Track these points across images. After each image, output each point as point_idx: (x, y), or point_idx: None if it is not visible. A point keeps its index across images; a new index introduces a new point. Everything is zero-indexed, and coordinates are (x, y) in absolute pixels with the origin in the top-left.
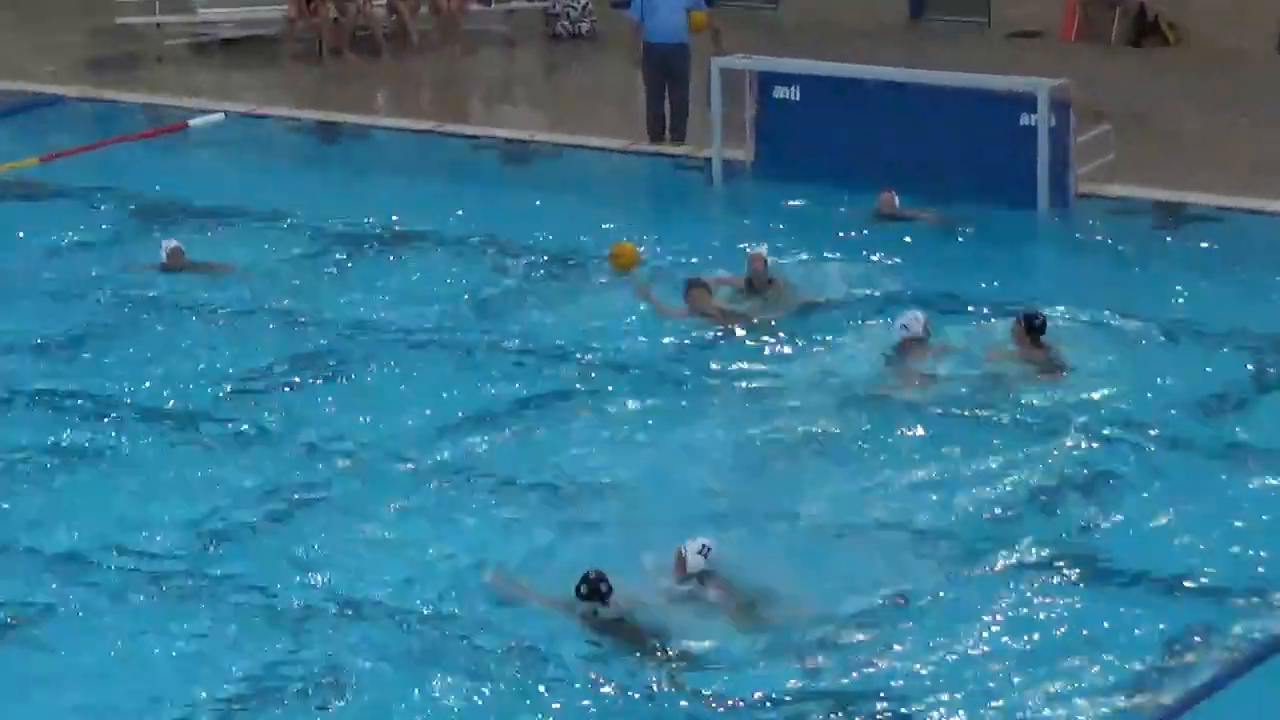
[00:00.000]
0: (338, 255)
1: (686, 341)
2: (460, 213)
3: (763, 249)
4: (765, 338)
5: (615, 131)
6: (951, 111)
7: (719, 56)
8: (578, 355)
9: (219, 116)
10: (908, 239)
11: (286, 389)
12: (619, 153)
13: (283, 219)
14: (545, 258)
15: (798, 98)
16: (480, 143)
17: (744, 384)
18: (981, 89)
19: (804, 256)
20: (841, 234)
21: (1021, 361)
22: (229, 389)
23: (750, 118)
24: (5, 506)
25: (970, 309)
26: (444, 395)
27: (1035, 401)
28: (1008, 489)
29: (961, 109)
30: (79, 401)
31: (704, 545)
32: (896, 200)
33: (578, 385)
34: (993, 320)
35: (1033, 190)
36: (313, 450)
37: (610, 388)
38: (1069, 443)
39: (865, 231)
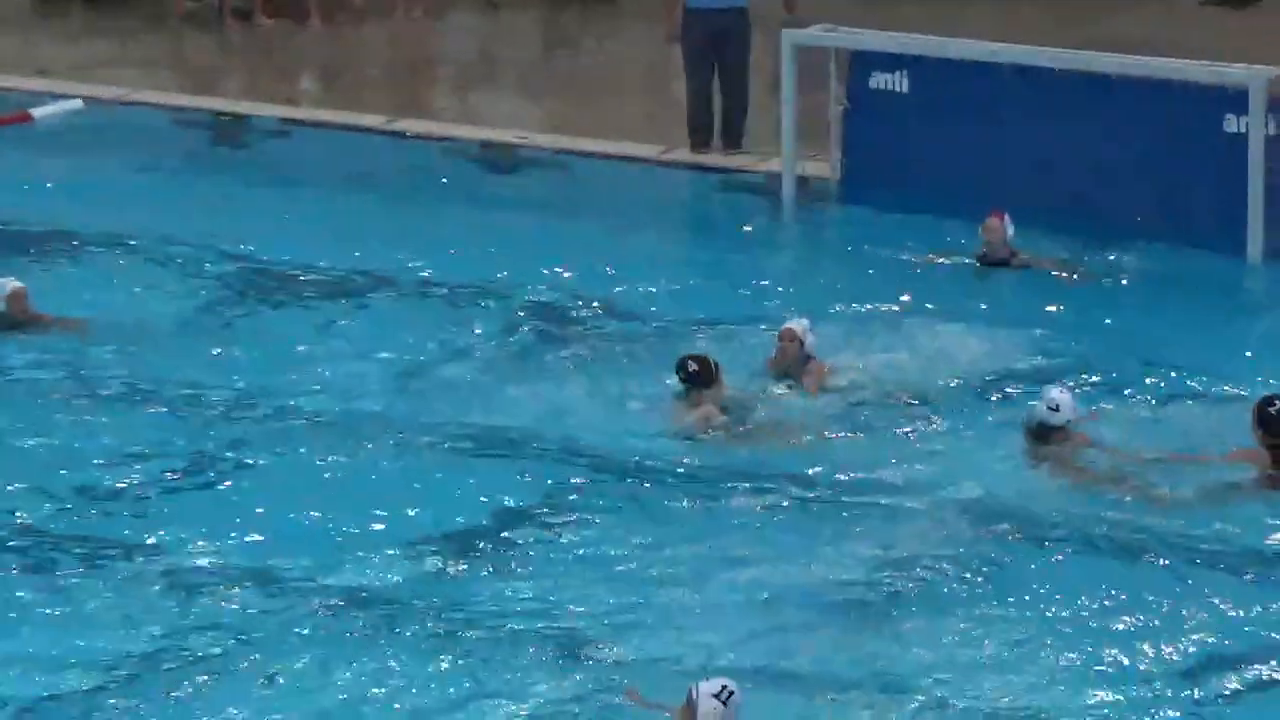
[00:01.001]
0: (241, 303)
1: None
2: (417, 245)
3: (798, 323)
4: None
5: (643, 134)
6: (1123, 111)
7: (792, 29)
8: (577, 452)
9: (76, 104)
10: (1053, 302)
11: (166, 495)
12: (649, 163)
13: (165, 251)
14: (537, 312)
15: (904, 89)
16: (450, 146)
17: (807, 496)
18: (1168, 79)
19: (903, 316)
20: (962, 285)
21: (1248, 466)
22: (83, 497)
23: (836, 116)
24: None
25: (1131, 398)
26: (382, 504)
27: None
28: (1214, 657)
29: (1138, 107)
30: None
31: (725, 688)
32: (1009, 229)
33: (572, 496)
34: (1162, 405)
35: (1240, 229)
36: (199, 581)
37: (619, 499)
38: None
39: (991, 283)
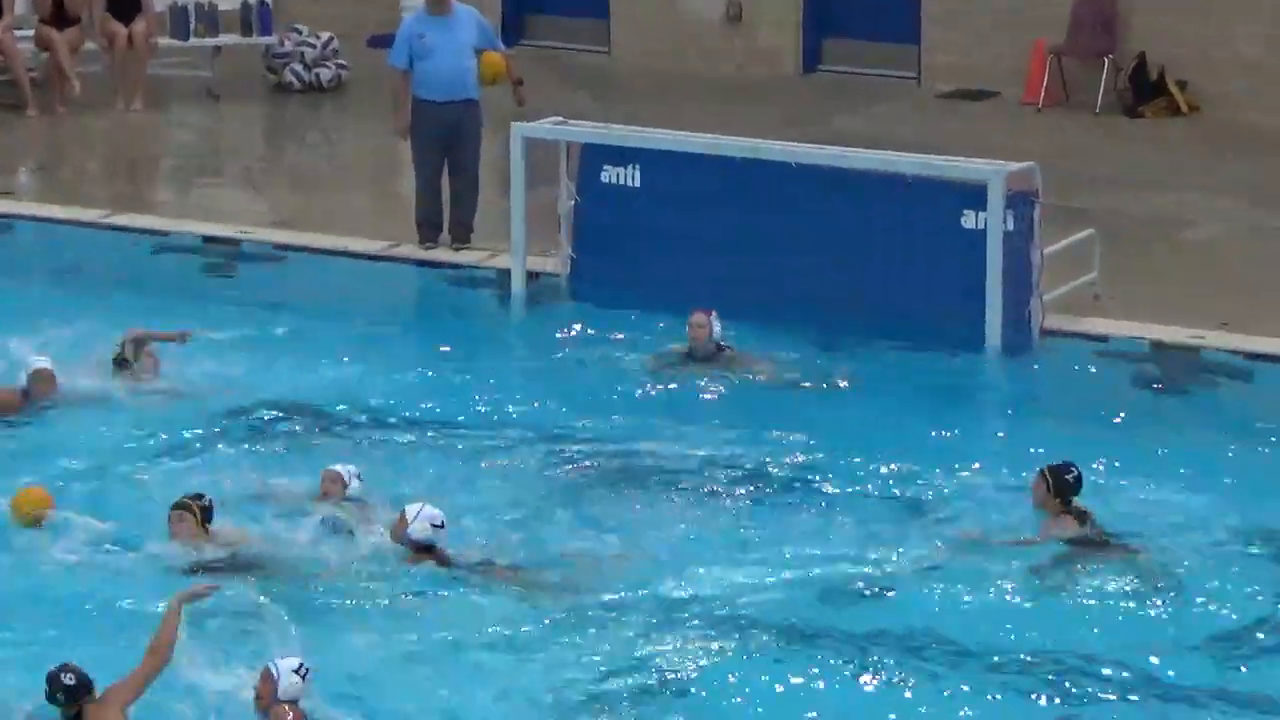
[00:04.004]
0: None
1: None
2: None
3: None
4: None
5: (369, 228)
6: (859, 206)
7: (522, 122)
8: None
9: None
10: (766, 402)
11: None
12: (374, 259)
13: None
14: (247, 413)
15: (636, 182)
16: (167, 241)
17: None
18: (904, 174)
19: (631, 419)
20: (703, 387)
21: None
22: None
23: (566, 211)
24: None
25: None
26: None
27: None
28: None
29: (875, 202)
30: None
31: (302, 664)
32: (716, 325)
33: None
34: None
35: (978, 323)
36: None
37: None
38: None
39: (735, 385)
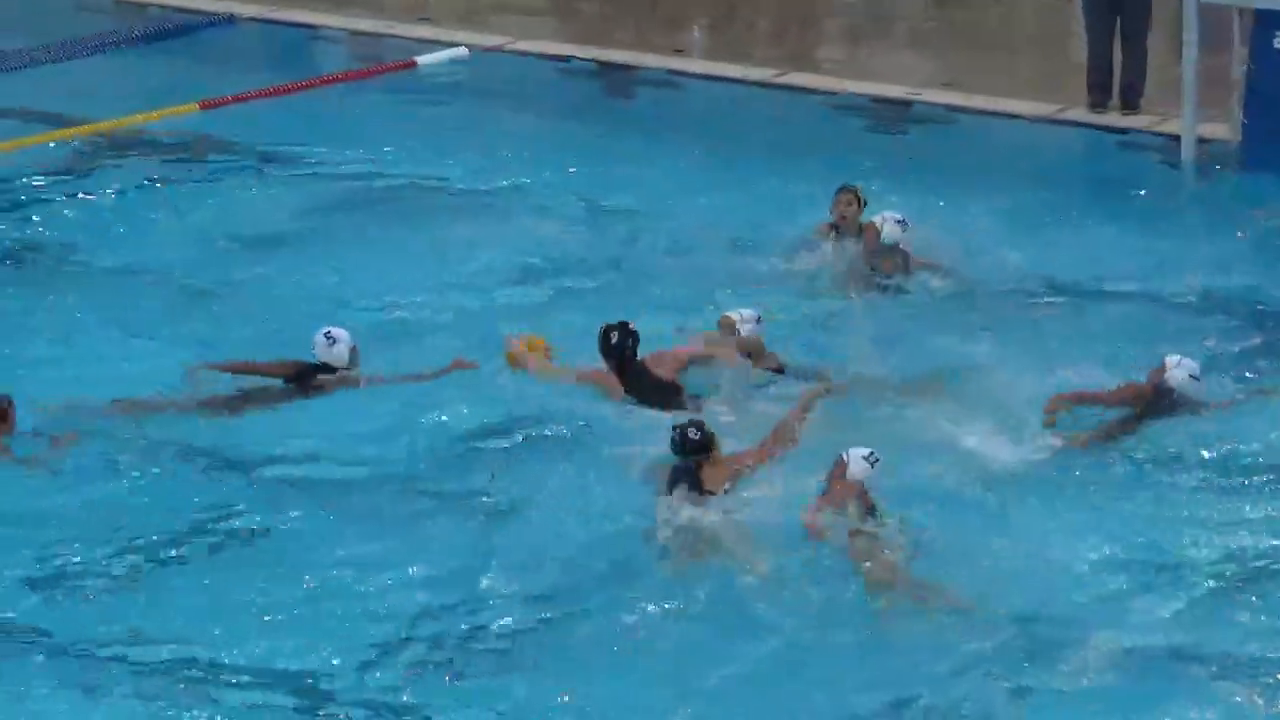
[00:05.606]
0: (609, 250)
1: None
2: (806, 204)
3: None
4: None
5: (1037, 91)
6: None
7: None
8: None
9: (460, 51)
10: None
11: None
12: (1043, 122)
13: (542, 204)
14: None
15: None
16: (839, 101)
17: None
18: None
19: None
20: None
21: None
22: None
23: (1240, 77)
24: None
25: None
26: None
27: None
28: None
29: None
30: None
31: (873, 452)
32: None
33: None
34: None
35: None
36: None
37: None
38: None
39: None
